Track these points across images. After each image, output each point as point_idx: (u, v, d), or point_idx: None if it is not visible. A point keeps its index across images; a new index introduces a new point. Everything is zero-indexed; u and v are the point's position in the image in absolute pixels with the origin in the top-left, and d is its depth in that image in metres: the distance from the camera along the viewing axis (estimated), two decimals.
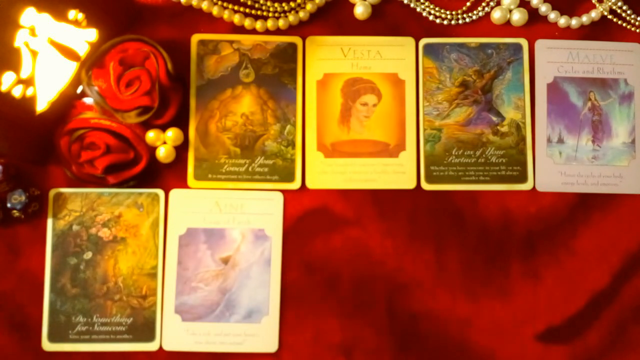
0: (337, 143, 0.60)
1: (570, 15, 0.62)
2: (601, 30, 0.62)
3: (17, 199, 0.57)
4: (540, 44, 0.62)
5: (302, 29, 0.62)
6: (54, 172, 0.59)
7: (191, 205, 0.59)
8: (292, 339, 0.58)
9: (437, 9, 0.62)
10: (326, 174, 0.60)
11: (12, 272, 0.58)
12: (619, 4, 0.61)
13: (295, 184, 0.60)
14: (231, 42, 0.61)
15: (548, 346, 0.59)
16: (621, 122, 0.61)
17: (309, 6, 0.61)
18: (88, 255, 0.58)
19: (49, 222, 0.59)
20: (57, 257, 0.58)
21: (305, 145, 0.60)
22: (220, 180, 0.60)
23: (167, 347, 0.58)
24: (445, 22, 0.62)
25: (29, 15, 0.48)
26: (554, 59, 0.62)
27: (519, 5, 0.62)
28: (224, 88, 0.61)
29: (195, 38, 0.61)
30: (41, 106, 0.54)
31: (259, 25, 0.61)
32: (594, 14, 0.62)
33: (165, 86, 0.57)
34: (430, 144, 0.60)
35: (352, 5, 0.62)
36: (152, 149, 0.59)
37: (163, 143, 0.58)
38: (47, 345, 0.58)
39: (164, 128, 0.58)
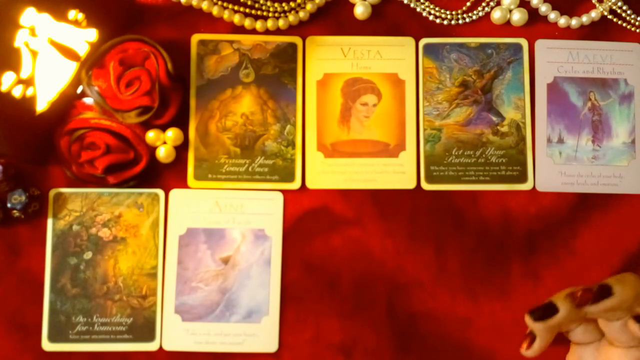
0: (337, 143, 0.60)
1: (570, 15, 0.62)
2: (601, 30, 0.62)
3: (17, 199, 0.57)
4: (540, 44, 0.62)
5: (302, 29, 0.62)
6: (54, 172, 0.59)
7: (191, 205, 0.59)
8: (292, 339, 0.58)
9: (437, 9, 0.62)
10: (326, 174, 0.60)
11: (12, 272, 0.58)
12: (619, 4, 0.61)
13: (295, 184, 0.60)
14: (231, 42, 0.61)
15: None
16: (621, 122, 0.61)
17: (309, 6, 0.61)
18: (88, 255, 0.58)
19: (49, 222, 0.59)
20: (57, 257, 0.58)
21: (305, 145, 0.60)
22: (220, 180, 0.60)
23: (167, 347, 0.58)
24: (445, 22, 0.62)
25: (29, 15, 0.48)
26: (554, 59, 0.62)
27: (519, 5, 0.62)
28: (224, 88, 0.61)
29: (195, 38, 0.61)
30: (41, 106, 0.54)
31: (259, 25, 0.61)
32: (594, 14, 0.62)
33: (165, 86, 0.57)
34: (430, 144, 0.60)
35: (352, 5, 0.62)
36: (152, 149, 0.59)
37: (163, 143, 0.58)
38: (47, 345, 0.58)
39: (164, 128, 0.58)
